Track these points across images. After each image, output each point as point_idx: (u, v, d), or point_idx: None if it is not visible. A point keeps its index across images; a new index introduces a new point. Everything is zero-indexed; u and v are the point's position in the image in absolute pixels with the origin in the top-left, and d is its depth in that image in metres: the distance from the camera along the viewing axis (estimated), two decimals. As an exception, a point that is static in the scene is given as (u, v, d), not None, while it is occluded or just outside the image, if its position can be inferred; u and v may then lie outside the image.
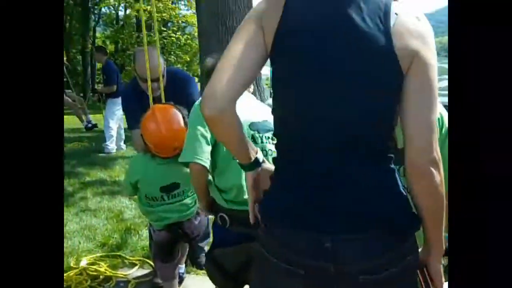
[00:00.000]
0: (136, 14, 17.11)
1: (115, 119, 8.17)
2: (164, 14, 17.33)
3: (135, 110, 3.07)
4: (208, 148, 2.08)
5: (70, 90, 8.94)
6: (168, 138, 2.59)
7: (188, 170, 2.16)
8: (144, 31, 2.95)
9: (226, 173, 2.12)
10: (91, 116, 10.02)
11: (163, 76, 2.96)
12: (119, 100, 8.39)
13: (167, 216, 2.76)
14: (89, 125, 9.05)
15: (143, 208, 2.87)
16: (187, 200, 2.79)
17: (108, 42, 42.63)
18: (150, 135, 2.64)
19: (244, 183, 1.94)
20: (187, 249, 2.98)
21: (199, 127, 2.08)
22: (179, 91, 3.01)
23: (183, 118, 2.59)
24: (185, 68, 23.81)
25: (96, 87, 11.99)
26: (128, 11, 28.14)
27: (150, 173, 2.73)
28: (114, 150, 8.17)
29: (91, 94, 9.63)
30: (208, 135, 2.07)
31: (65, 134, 12.05)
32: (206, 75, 2.11)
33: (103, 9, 36.33)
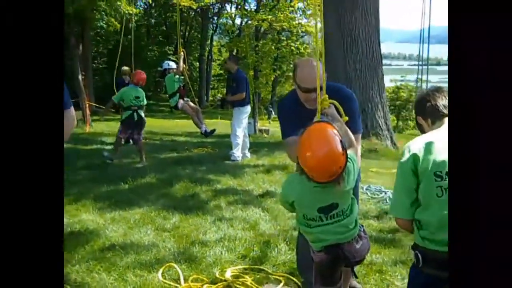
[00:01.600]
0: (257, 24, 17.38)
1: (242, 127, 8.29)
2: (284, 24, 17.45)
3: (290, 119, 3.00)
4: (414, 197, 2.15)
5: (188, 99, 9.18)
6: (325, 162, 2.40)
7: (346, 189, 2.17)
8: (318, 42, 2.82)
9: (430, 207, 2.06)
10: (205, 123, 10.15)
11: (321, 88, 2.82)
12: (246, 108, 8.55)
13: (325, 237, 2.62)
14: (208, 130, 9.23)
15: (301, 228, 2.76)
16: (346, 221, 2.63)
17: (223, 50, 44.19)
18: (306, 158, 2.46)
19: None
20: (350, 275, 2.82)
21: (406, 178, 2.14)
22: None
23: (341, 140, 2.41)
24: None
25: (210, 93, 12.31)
26: (246, 21, 28.74)
27: (306, 195, 2.59)
28: (240, 158, 8.27)
29: (208, 103, 9.81)
30: (414, 186, 2.13)
31: (189, 139, 12.55)
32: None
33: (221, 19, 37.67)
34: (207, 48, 37.70)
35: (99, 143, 10.82)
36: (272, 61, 20.04)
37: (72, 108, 2.62)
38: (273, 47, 19.04)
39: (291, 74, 19.78)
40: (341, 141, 2.37)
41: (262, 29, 18.88)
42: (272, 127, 23.34)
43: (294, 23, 18.09)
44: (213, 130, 9.35)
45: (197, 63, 42.97)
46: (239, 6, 23.50)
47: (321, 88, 2.73)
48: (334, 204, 2.58)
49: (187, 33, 42.06)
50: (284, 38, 20.48)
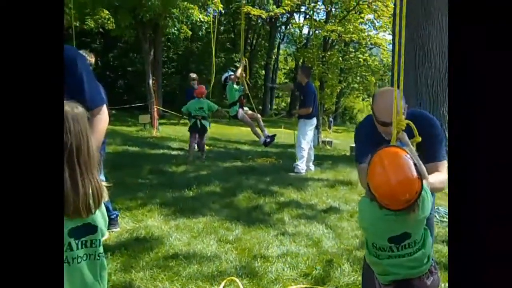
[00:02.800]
0: (326, 34, 17.30)
1: (307, 139, 8.21)
2: (353, 35, 17.27)
3: (365, 144, 2.87)
4: None
5: (246, 108, 9.17)
6: (398, 190, 2.21)
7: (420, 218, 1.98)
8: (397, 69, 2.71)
9: None
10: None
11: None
12: (312, 120, 8.45)
13: (396, 271, 2.47)
14: (267, 140, 9.19)
15: (369, 257, 2.62)
16: (419, 255, 2.48)
17: (289, 60, 44.40)
18: (377, 185, 2.30)
19: None
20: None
21: None
22: (420, 133, 2.72)
23: (415, 165, 2.26)
24: (362, 88, 23.46)
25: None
26: (314, 31, 28.67)
27: (377, 224, 2.45)
28: (304, 171, 8.18)
29: (274, 112, 9.74)
30: None
31: (252, 148, 12.61)
32: None
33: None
34: (273, 57, 37.94)
35: (165, 147, 11.06)
36: (338, 72, 19.85)
37: (105, 106, 2.68)
38: (340, 59, 18.87)
39: (356, 85, 19.44)
40: (415, 164, 2.23)
41: (331, 40, 18.77)
42: (335, 139, 23.15)
43: (363, 34, 17.84)
44: (273, 136, 9.30)
45: (263, 71, 43.32)
46: (308, 16, 23.48)
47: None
48: (407, 234, 2.43)
49: (254, 41, 42.49)
50: (352, 50, 20.26)
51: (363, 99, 33.92)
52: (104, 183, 1.89)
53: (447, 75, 11.42)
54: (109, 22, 16.88)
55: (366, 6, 17.55)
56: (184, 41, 27.32)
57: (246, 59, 9.32)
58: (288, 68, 43.59)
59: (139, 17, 16.17)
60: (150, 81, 17.13)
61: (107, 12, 16.71)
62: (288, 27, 37.64)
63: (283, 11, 18.43)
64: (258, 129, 9.06)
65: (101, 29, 18.72)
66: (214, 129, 11.85)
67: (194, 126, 9.64)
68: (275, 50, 38.45)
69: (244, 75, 8.87)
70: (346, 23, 17.55)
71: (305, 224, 5.31)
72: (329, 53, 19.04)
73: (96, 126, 2.54)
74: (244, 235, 4.82)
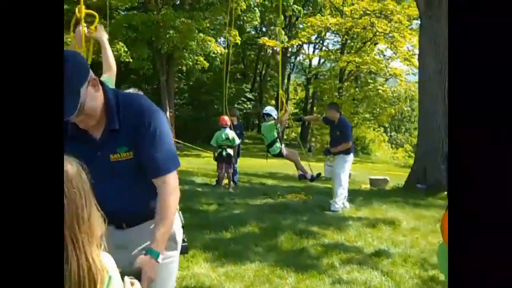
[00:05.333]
0: (344, 66, 17.19)
1: (346, 176, 7.94)
2: (372, 66, 17.16)
3: None
4: None
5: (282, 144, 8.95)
6: None
7: None
8: None
9: None
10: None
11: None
12: (350, 156, 8.16)
13: None
14: (314, 175, 8.92)
15: None
16: None
17: (299, 90, 44.45)
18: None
19: None
20: None
21: None
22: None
23: None
24: (373, 119, 23.26)
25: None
26: (323, 61, 28.76)
27: None
28: (341, 209, 7.87)
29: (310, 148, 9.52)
30: None
31: (277, 183, 12.33)
32: None
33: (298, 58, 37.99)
34: (284, 87, 37.92)
35: (189, 183, 10.81)
36: (355, 103, 19.68)
37: (172, 173, 2.13)
38: (357, 89, 18.73)
39: (367, 116, 19.16)
40: None
41: (346, 71, 18.69)
42: (352, 170, 22.72)
43: (381, 65, 17.74)
44: (319, 174, 9.05)
45: (273, 101, 43.31)
46: (324, 48, 23.44)
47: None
48: None
49: (263, 71, 42.62)
50: (371, 81, 20.12)
51: (374, 129, 33.75)
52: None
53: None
54: (125, 54, 16.85)
55: (382, 37, 17.49)
56: (197, 72, 27.35)
57: (284, 94, 9.17)
58: (298, 98, 43.55)
59: (157, 49, 16.11)
60: (168, 113, 16.98)
61: (123, 44, 16.68)
62: (298, 58, 37.77)
63: (299, 41, 18.41)
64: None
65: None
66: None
67: (220, 155, 9.97)
68: (286, 80, 38.42)
69: (286, 111, 8.75)
70: (362, 54, 17.45)
71: (358, 270, 4.98)
72: (345, 84, 18.92)
73: (166, 199, 2.06)
74: (299, 284, 4.50)
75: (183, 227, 2.44)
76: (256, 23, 22.27)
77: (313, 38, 24.35)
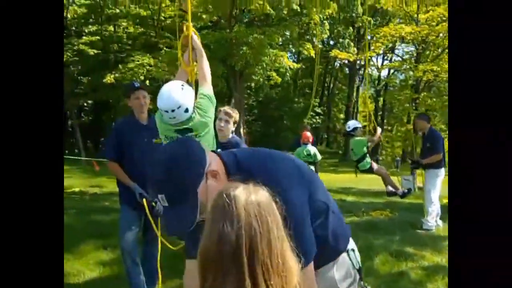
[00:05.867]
0: (420, 75, 16.50)
1: (437, 192, 7.46)
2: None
3: None
4: None
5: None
6: None
7: None
8: None
9: None
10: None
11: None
12: (441, 170, 7.66)
13: None
14: (405, 191, 8.52)
15: None
16: None
17: (368, 102, 43.64)
18: None
19: None
20: None
21: None
22: None
23: None
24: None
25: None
26: (393, 72, 27.93)
27: None
28: (434, 228, 7.39)
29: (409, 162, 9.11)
30: None
31: (356, 199, 11.92)
32: None
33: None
34: (353, 100, 37.29)
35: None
36: (432, 114, 18.84)
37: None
38: (433, 100, 17.92)
39: (442, 126, 18.17)
40: None
41: (423, 81, 17.98)
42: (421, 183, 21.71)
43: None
44: (410, 190, 8.65)
45: (341, 115, 42.70)
46: (388, 58, 22.67)
47: None
48: None
49: (331, 85, 42.17)
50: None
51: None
52: None
53: None
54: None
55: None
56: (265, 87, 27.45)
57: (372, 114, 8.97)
58: (367, 111, 42.71)
59: (231, 66, 16.21)
60: (242, 130, 17.01)
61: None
62: (367, 69, 37.10)
63: (374, 54, 17.95)
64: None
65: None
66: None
67: None
68: (354, 93, 37.78)
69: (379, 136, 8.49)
70: (440, 62, 16.67)
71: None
72: (422, 94, 18.15)
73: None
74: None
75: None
76: (325, 36, 21.97)
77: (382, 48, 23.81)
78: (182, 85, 3.65)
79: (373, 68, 36.80)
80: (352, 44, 26.85)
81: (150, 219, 4.09)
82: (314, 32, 19.41)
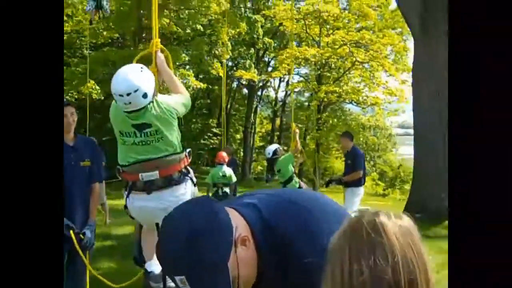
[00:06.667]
0: (323, 96, 17.09)
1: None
2: (352, 96, 17.15)
3: None
4: None
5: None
6: None
7: None
8: None
9: None
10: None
11: None
12: (360, 189, 7.80)
13: None
14: None
15: None
16: None
17: (265, 122, 44.40)
18: None
19: None
20: None
21: None
22: None
23: None
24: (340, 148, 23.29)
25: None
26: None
27: None
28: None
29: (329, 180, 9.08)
30: None
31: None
32: None
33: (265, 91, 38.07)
34: (251, 120, 37.71)
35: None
36: (334, 135, 19.57)
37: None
38: (335, 120, 18.65)
39: (335, 145, 19.04)
40: None
41: (323, 102, 18.62)
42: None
43: (362, 95, 17.78)
44: None
45: (237, 135, 43.01)
46: (288, 79, 23.12)
47: None
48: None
49: (229, 105, 42.42)
50: (347, 110, 20.12)
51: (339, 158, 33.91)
52: None
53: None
54: (96, 92, 16.16)
55: (360, 66, 17.55)
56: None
57: (297, 128, 8.81)
58: (264, 131, 43.42)
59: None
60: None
61: (93, 82, 16.02)
62: (265, 90, 37.79)
63: (280, 74, 18.25)
64: None
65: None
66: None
67: (216, 195, 9.16)
68: (252, 114, 38.28)
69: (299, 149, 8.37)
70: (342, 84, 17.45)
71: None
72: (324, 114, 18.79)
73: None
74: None
75: None
76: (227, 56, 22.04)
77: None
78: (141, 68, 3.33)
79: (270, 89, 37.77)
80: (253, 65, 27.19)
81: (80, 252, 3.80)
82: (217, 52, 19.36)
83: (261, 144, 43.45)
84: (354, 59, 16.57)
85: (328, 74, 19.92)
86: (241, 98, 39.60)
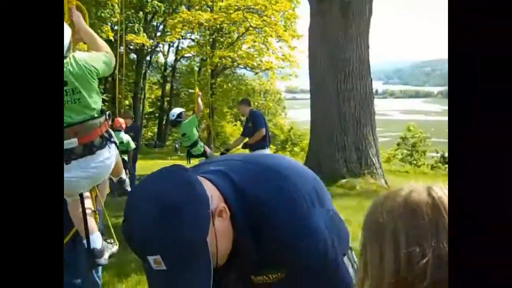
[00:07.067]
0: (219, 61, 17.01)
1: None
2: (248, 61, 17.25)
3: None
4: None
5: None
6: None
7: None
8: None
9: None
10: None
11: None
12: (266, 151, 7.88)
13: None
14: None
15: None
16: None
17: (154, 88, 43.30)
18: None
19: None
20: None
21: None
22: None
23: None
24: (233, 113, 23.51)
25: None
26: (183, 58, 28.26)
27: None
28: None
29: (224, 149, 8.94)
30: None
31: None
32: None
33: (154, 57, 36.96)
34: (140, 86, 36.56)
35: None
36: (227, 100, 19.65)
37: None
38: (229, 85, 18.71)
39: (226, 109, 19.20)
40: None
41: (219, 66, 18.59)
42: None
43: (256, 59, 17.97)
44: None
45: (126, 101, 41.58)
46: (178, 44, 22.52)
47: None
48: None
49: (116, 70, 40.67)
50: (243, 75, 20.26)
51: (230, 122, 34.23)
52: None
53: (368, 96, 11.78)
54: None
55: (254, 32, 17.69)
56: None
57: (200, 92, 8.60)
58: (154, 96, 42.37)
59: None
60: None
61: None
62: (154, 55, 36.68)
63: (174, 39, 17.77)
64: None
65: None
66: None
67: None
68: (142, 79, 37.10)
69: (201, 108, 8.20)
70: (236, 49, 17.48)
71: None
72: (218, 79, 18.77)
73: None
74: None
75: None
76: (115, 19, 21.03)
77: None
78: None
79: (159, 54, 36.75)
80: (141, 29, 26.17)
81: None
82: (104, 14, 18.38)
83: (151, 110, 42.48)
84: (248, 24, 16.66)
85: (222, 39, 19.84)
86: (129, 63, 38.21)
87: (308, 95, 12.41)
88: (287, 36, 17.19)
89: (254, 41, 18.04)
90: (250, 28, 17.12)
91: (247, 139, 8.03)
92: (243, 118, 8.72)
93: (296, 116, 50.28)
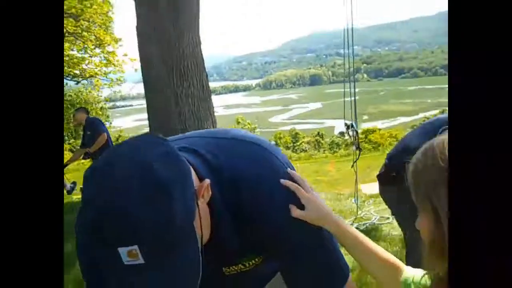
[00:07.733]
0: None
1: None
2: (70, 69, 16.16)
3: None
4: None
5: None
6: None
7: None
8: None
9: None
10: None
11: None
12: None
13: None
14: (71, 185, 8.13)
15: None
16: None
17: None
18: None
19: None
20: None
21: None
22: None
23: None
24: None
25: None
26: None
27: None
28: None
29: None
30: None
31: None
32: None
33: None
34: None
35: None
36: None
37: None
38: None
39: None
40: None
41: None
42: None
43: (80, 67, 16.97)
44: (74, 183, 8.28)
45: None
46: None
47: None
48: None
49: None
50: (65, 84, 18.90)
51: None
52: None
53: (205, 91, 11.78)
54: None
55: (72, 38, 16.68)
56: None
57: None
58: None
59: None
60: None
61: None
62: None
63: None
64: None
65: None
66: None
67: None
68: None
69: None
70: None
71: None
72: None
73: None
74: None
75: None
76: None
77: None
78: None
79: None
80: None
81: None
82: None
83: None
84: (64, 30, 15.56)
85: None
86: None
87: (129, 102, 12.08)
88: (110, 40, 16.50)
89: (72, 49, 16.99)
90: (67, 35, 16.09)
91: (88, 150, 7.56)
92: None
93: (121, 124, 49.04)
